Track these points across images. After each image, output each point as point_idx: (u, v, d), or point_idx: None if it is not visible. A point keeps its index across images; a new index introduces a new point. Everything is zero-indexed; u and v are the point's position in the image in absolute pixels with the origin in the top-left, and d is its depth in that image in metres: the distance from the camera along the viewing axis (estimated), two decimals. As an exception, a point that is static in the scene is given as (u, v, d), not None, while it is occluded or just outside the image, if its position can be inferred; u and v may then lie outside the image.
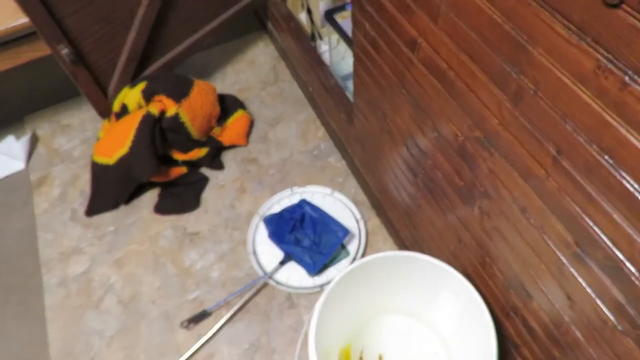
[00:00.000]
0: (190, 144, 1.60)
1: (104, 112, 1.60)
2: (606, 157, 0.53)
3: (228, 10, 1.80)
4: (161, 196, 1.59)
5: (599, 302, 0.64)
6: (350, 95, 1.52)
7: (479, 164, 0.81)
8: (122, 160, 1.48)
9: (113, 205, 1.58)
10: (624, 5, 0.44)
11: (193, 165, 1.64)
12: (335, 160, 1.67)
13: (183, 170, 1.60)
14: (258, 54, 2.06)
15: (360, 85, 1.23)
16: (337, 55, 1.76)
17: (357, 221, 1.50)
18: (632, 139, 0.48)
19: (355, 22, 1.09)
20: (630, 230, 0.53)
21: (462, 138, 0.83)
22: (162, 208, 1.57)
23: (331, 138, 1.72)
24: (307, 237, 1.43)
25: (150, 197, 1.62)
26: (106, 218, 1.58)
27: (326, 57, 1.78)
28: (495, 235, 0.85)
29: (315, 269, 1.36)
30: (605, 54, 0.48)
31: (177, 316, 1.36)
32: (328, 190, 1.57)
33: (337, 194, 1.56)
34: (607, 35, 0.47)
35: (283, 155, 1.70)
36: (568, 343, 0.75)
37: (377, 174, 1.39)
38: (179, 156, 1.60)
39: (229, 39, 2.10)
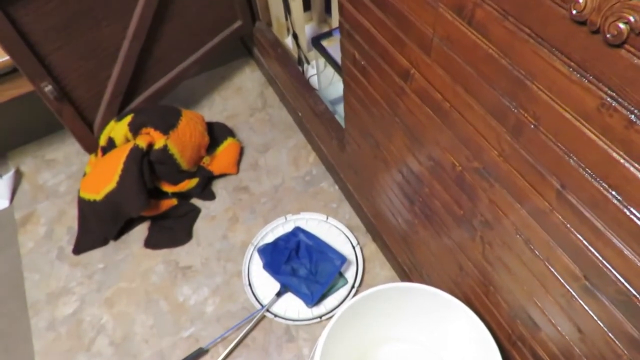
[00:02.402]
0: (179, 175, 1.57)
1: (90, 147, 1.57)
2: (613, 192, 0.52)
3: (214, 39, 1.80)
4: (151, 230, 1.56)
5: (611, 335, 0.62)
6: (340, 119, 1.51)
7: (478, 195, 0.79)
8: (110, 196, 1.44)
9: (102, 241, 1.54)
10: (626, 45, 0.43)
11: (183, 196, 1.61)
12: (328, 186, 1.66)
13: (173, 202, 1.57)
14: (245, 80, 2.06)
15: (351, 112, 1.22)
16: (326, 80, 1.76)
17: (354, 247, 1.47)
18: (640, 176, 0.47)
19: (343, 50, 1.09)
20: (642, 267, 0.52)
21: (459, 168, 0.82)
22: (152, 242, 1.53)
23: (323, 163, 1.71)
24: (304, 266, 1.40)
25: (140, 231, 1.58)
26: (95, 255, 1.53)
27: (314, 82, 1.77)
28: (498, 265, 0.84)
29: (314, 299, 1.33)
30: (609, 91, 0.47)
31: (171, 355, 1.31)
32: (322, 217, 1.55)
33: (332, 220, 1.54)
34: (609, 74, 0.46)
35: (275, 183, 1.68)
36: (579, 375, 0.73)
37: (372, 199, 1.37)
38: (168, 188, 1.57)
39: (214, 66, 2.09)
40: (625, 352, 0.61)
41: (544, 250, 0.69)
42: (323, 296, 1.36)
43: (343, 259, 1.38)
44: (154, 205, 1.52)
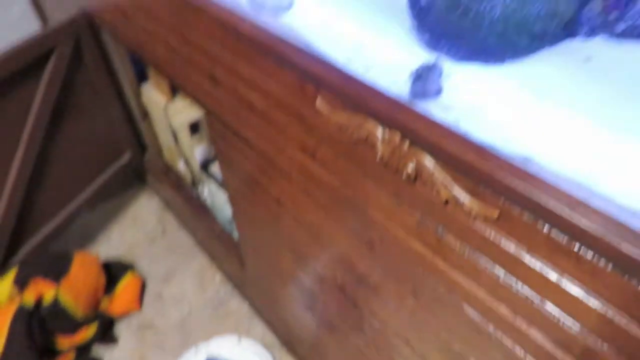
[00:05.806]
0: (75, 325, 1.46)
1: (-33, 313, 1.42)
2: (451, 294, 0.61)
3: (103, 174, 1.79)
4: (47, 394, 1.40)
5: None
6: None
7: (359, 304, 0.86)
8: (-6, 365, 1.29)
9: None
10: (417, 181, 0.54)
11: (82, 348, 1.49)
12: (238, 304, 1.64)
13: (70, 358, 1.44)
14: (142, 208, 2.04)
15: (242, 232, 1.28)
16: (220, 200, 1.81)
17: (270, 365, 1.44)
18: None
19: (224, 178, 1.17)
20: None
21: (340, 281, 0.89)
22: (48, 408, 1.37)
23: (230, 281, 1.70)
24: (221, 398, 1.33)
25: (33, 397, 1.41)
26: None
27: (210, 203, 1.82)
28: (393, 363, 0.89)
29: None
30: (419, 214, 0.57)
31: None
32: (235, 339, 1.51)
33: (245, 340, 1.51)
34: (418, 202, 0.57)
35: (182, 312, 1.63)
36: None
37: (278, 314, 1.39)
38: (64, 342, 1.44)
39: (109, 198, 2.06)
40: None
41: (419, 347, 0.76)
42: None
43: (260, 381, 1.34)
44: (47, 365, 1.39)
